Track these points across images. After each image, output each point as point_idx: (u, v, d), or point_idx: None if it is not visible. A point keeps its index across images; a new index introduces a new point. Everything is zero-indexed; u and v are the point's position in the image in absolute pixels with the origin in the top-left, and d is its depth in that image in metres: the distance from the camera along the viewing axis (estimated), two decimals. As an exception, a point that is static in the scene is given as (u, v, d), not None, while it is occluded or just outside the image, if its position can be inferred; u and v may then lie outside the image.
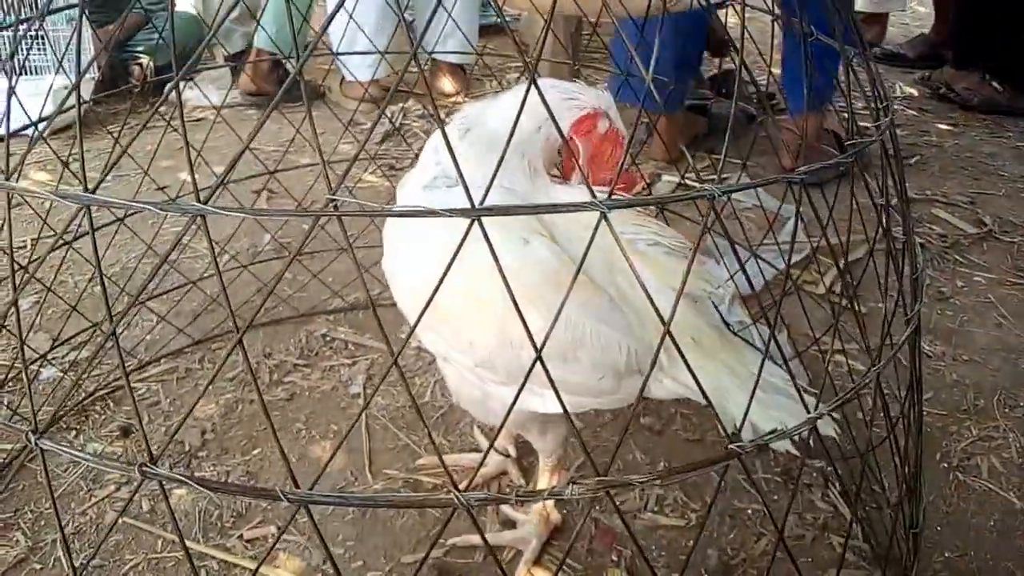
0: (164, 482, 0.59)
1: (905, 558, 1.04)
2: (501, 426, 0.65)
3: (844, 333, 1.65)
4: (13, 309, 0.62)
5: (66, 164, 1.24)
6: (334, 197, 0.49)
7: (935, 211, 2.19)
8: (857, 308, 1.10)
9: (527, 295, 0.69)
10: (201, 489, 0.58)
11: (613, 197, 0.51)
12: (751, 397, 0.67)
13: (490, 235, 0.53)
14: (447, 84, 2.95)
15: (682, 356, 0.63)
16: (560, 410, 0.91)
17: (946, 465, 1.34)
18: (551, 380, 0.60)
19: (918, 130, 2.78)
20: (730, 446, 0.63)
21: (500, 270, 0.53)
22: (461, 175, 0.48)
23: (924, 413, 1.44)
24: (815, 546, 1.18)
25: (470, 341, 0.88)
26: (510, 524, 1.19)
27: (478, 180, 0.52)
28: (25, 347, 1.31)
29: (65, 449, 0.61)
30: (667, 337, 0.60)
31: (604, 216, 0.50)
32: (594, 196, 0.50)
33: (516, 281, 0.58)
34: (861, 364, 1.57)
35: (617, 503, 1.23)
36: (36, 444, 0.60)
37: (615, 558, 1.15)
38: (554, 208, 0.51)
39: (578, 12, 1.93)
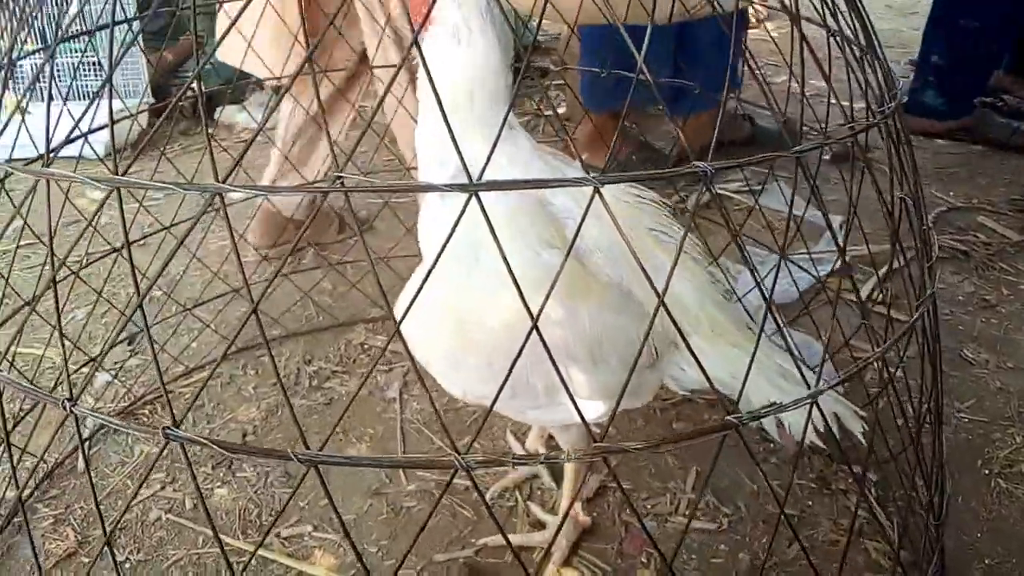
0: (185, 444, 0.62)
1: (924, 548, 1.03)
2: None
3: (880, 337, 1.64)
4: (67, 315, 0.66)
5: (118, 175, 1.29)
6: (341, 174, 0.52)
7: (981, 219, 2.14)
8: (887, 310, 1.09)
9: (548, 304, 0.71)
10: (220, 451, 0.61)
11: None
12: (748, 368, 0.67)
13: (505, 249, 0.55)
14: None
15: (687, 346, 0.65)
16: (596, 414, 0.93)
17: (987, 472, 1.31)
18: (567, 390, 0.62)
19: (964, 139, 2.73)
20: (727, 418, 0.64)
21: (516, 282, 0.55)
22: (459, 150, 0.51)
23: (966, 420, 1.42)
24: (849, 551, 1.17)
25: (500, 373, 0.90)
26: (540, 525, 1.20)
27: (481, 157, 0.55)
28: (78, 351, 1.37)
29: (96, 415, 0.64)
30: (683, 326, 0.61)
31: (597, 191, 0.51)
32: (587, 174, 0.52)
33: (536, 291, 0.60)
34: (900, 371, 1.55)
35: (648, 506, 1.24)
36: (71, 410, 0.63)
37: (644, 560, 1.15)
38: (547, 183, 0.53)
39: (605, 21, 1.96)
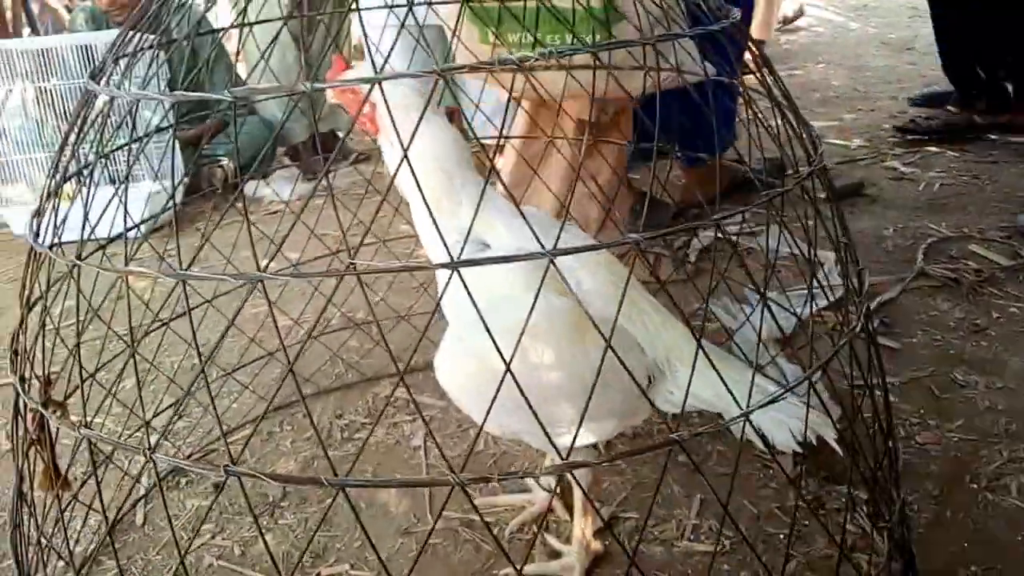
0: (241, 478, 0.74)
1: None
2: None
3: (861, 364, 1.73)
4: (122, 378, 0.80)
5: (162, 257, 1.45)
6: (354, 261, 0.66)
7: (972, 247, 2.24)
8: (873, 339, 1.19)
9: (559, 345, 0.84)
10: (268, 481, 0.73)
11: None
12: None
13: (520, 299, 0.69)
14: (498, 163, 3.17)
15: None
16: (590, 440, 1.06)
17: (975, 486, 1.40)
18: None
19: (956, 171, 2.84)
20: (670, 435, 0.75)
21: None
22: (438, 226, 0.64)
23: (956, 439, 1.51)
24: (842, 565, 1.26)
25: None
26: (556, 555, 1.30)
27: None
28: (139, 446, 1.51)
29: (170, 459, 0.77)
30: (674, 352, 0.73)
31: (552, 262, 0.65)
32: (543, 247, 0.65)
33: (549, 333, 0.73)
34: (894, 396, 1.65)
35: (655, 532, 1.34)
36: (151, 456, 0.76)
37: (653, 583, 1.25)
38: (507, 259, 0.66)
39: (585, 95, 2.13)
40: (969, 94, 3.11)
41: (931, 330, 1.87)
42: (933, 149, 3.03)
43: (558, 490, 1.39)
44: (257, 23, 1.19)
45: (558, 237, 0.68)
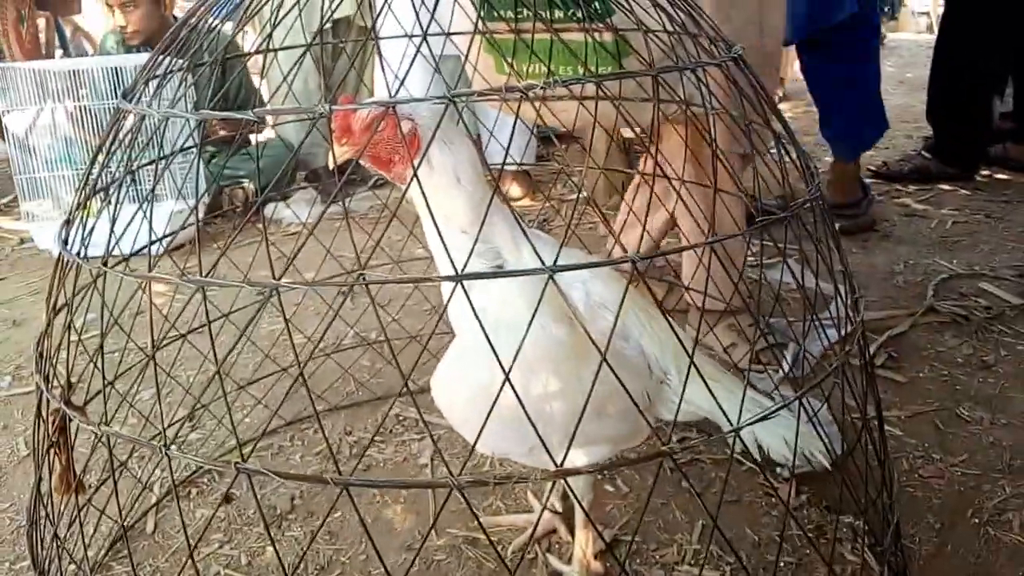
0: (252, 477, 0.77)
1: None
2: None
3: (882, 404, 1.74)
4: (139, 389, 0.83)
5: (182, 271, 1.49)
6: (363, 271, 0.69)
7: (982, 285, 2.26)
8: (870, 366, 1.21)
9: (559, 370, 0.87)
10: (277, 479, 0.76)
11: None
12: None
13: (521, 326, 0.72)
14: (515, 188, 3.22)
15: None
16: (583, 461, 1.08)
17: (977, 520, 1.40)
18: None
19: (969, 209, 2.86)
20: (662, 448, 0.77)
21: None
22: (446, 247, 0.68)
23: (959, 474, 1.52)
24: (842, 593, 1.27)
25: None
26: (558, 575, 1.32)
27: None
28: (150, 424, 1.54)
29: (185, 455, 0.80)
30: (681, 358, 0.76)
31: (551, 278, 0.68)
32: (543, 263, 0.68)
33: (546, 361, 0.76)
34: (898, 429, 1.66)
35: (656, 556, 1.36)
36: (165, 453, 0.79)
37: (652, 605, 1.26)
38: (510, 273, 0.69)
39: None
40: (944, 142, 3.15)
41: (938, 365, 1.88)
42: (946, 187, 3.05)
43: (560, 509, 1.41)
44: (281, 49, 1.24)
45: (558, 254, 0.71)
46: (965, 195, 2.99)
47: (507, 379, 0.73)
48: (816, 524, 1.41)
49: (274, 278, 0.74)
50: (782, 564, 1.33)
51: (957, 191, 3.03)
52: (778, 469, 1.52)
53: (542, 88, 0.73)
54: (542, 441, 0.74)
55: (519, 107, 0.82)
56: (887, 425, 1.67)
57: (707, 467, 1.58)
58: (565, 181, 3.31)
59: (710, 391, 0.84)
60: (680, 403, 0.85)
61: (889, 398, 1.77)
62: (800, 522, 1.40)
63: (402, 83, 0.75)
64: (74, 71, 3.02)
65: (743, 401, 0.85)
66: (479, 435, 0.78)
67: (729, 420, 0.85)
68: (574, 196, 2.99)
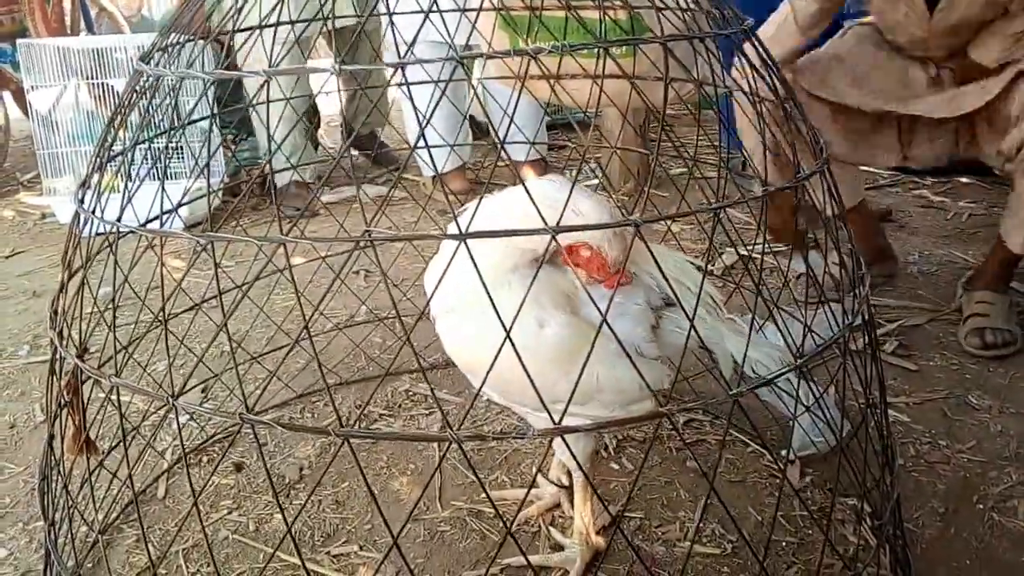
0: (256, 426, 0.79)
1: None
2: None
3: (890, 390, 1.74)
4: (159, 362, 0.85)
5: (204, 248, 1.51)
6: (369, 228, 0.70)
7: (997, 276, 2.23)
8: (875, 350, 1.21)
9: (540, 367, 0.89)
10: (283, 430, 0.78)
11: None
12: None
13: (510, 317, 0.73)
14: (530, 174, 3.23)
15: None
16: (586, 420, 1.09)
17: (982, 507, 1.40)
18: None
19: (987, 202, 2.83)
20: (659, 408, 0.78)
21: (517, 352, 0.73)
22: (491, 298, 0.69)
23: (966, 460, 1.52)
24: (842, 574, 1.27)
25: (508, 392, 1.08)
26: (559, 548, 1.33)
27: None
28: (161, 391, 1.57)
29: (193, 406, 0.82)
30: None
31: (554, 238, 0.69)
32: (545, 223, 0.69)
33: (532, 358, 0.78)
34: (906, 416, 1.65)
35: (659, 533, 1.37)
36: (173, 403, 0.81)
37: (653, 580, 1.27)
38: (514, 233, 0.70)
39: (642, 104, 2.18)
40: None
41: (948, 354, 1.87)
42: (964, 180, 3.02)
43: (566, 483, 1.42)
44: (297, 21, 1.25)
45: (561, 215, 0.72)
46: (983, 188, 2.96)
47: (507, 334, 0.73)
48: (819, 506, 1.41)
49: (280, 229, 0.76)
50: (784, 544, 1.33)
51: (975, 184, 3.00)
52: (783, 452, 1.52)
53: (549, 52, 0.73)
54: (542, 401, 0.75)
55: (525, 71, 0.82)
56: (895, 411, 1.67)
57: (712, 447, 1.59)
58: (580, 167, 3.31)
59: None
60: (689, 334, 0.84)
61: (898, 385, 1.76)
62: (804, 502, 1.41)
63: (410, 48, 0.76)
64: (98, 49, 3.06)
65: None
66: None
67: (727, 389, 0.86)
68: (590, 182, 2.99)
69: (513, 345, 0.72)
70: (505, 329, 0.71)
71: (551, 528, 1.37)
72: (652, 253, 0.76)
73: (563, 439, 0.74)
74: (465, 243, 0.70)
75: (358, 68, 0.76)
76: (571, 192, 0.79)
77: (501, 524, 1.39)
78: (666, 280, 0.81)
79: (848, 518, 1.38)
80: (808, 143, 1.01)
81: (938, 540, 1.33)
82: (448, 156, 2.55)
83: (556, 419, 0.79)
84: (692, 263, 1.13)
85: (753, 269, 2.08)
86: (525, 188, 0.74)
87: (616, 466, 1.54)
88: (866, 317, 1.06)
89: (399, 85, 0.84)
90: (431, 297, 0.86)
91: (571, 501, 1.41)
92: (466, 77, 2.69)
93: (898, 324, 1.99)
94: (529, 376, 0.74)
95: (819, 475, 1.49)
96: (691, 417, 1.65)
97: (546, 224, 0.69)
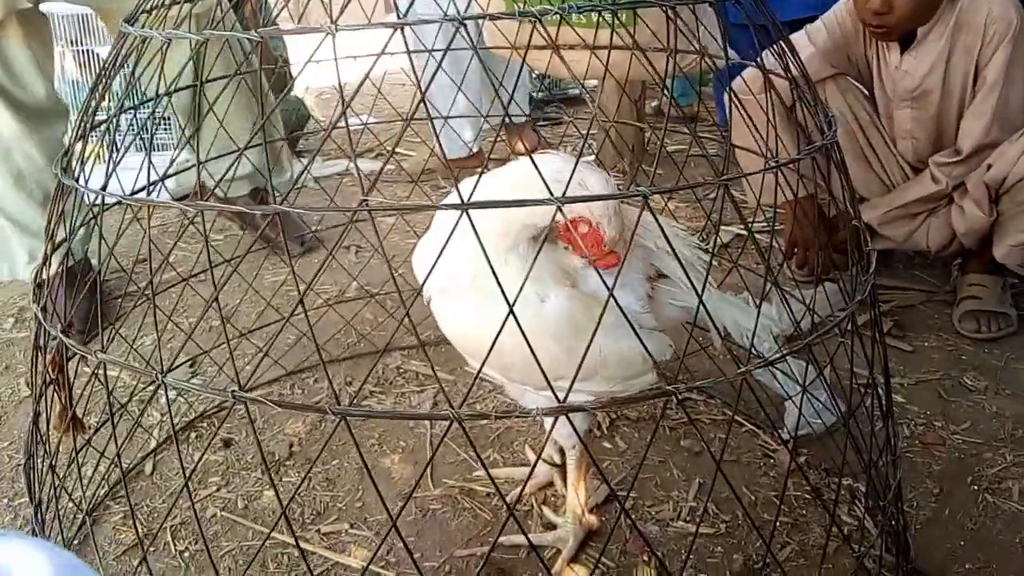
0: (248, 403, 0.77)
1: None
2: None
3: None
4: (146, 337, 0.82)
5: (191, 221, 1.48)
6: (366, 197, 0.68)
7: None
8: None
9: (543, 342, 0.87)
10: (275, 407, 0.75)
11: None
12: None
13: (512, 292, 0.71)
14: (520, 146, 3.19)
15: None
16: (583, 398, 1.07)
17: (976, 487, 1.40)
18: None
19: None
20: (665, 387, 0.76)
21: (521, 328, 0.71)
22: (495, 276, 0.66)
23: (960, 441, 1.51)
24: (837, 555, 1.26)
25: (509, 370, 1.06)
26: (552, 526, 1.32)
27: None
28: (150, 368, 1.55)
29: (181, 383, 0.79)
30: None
31: (559, 210, 0.66)
32: (551, 194, 0.67)
33: (535, 333, 0.76)
34: (901, 396, 1.65)
35: (652, 512, 1.36)
36: (162, 380, 0.78)
37: (647, 558, 1.26)
38: (520, 203, 0.68)
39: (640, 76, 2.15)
40: None
41: (944, 335, 1.87)
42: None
43: (559, 461, 1.41)
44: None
45: (567, 187, 0.69)
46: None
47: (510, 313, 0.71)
48: (814, 485, 1.41)
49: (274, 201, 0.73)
50: (778, 524, 1.33)
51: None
52: (779, 432, 1.51)
53: (556, 13, 0.71)
54: (546, 378, 0.73)
55: (528, 37, 0.79)
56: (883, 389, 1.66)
57: (706, 427, 1.58)
58: (573, 143, 3.29)
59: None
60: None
61: (894, 366, 1.75)
62: (809, 482, 1.40)
63: (411, 6, 0.73)
64: (83, 16, 2.99)
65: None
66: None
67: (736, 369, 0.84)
68: (589, 158, 2.96)
69: (517, 321, 0.70)
70: (509, 305, 0.69)
71: (543, 507, 1.36)
72: (659, 222, 0.73)
73: (567, 417, 0.71)
74: (467, 214, 0.67)
75: (357, 27, 0.72)
76: (575, 166, 0.77)
77: (494, 503, 1.37)
78: (672, 251, 0.78)
79: (843, 499, 1.37)
80: (816, 119, 0.99)
81: (933, 521, 1.33)
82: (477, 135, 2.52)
83: (560, 397, 0.77)
84: (688, 237, 1.11)
85: (753, 245, 2.06)
86: (531, 160, 0.71)
87: (609, 445, 1.53)
88: (871, 297, 1.04)
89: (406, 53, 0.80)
90: (427, 275, 0.83)
91: (564, 479, 1.40)
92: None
93: (892, 305, 1.98)
94: (533, 352, 0.71)
95: (813, 455, 1.48)
96: (685, 396, 1.64)
97: (552, 195, 0.67)
